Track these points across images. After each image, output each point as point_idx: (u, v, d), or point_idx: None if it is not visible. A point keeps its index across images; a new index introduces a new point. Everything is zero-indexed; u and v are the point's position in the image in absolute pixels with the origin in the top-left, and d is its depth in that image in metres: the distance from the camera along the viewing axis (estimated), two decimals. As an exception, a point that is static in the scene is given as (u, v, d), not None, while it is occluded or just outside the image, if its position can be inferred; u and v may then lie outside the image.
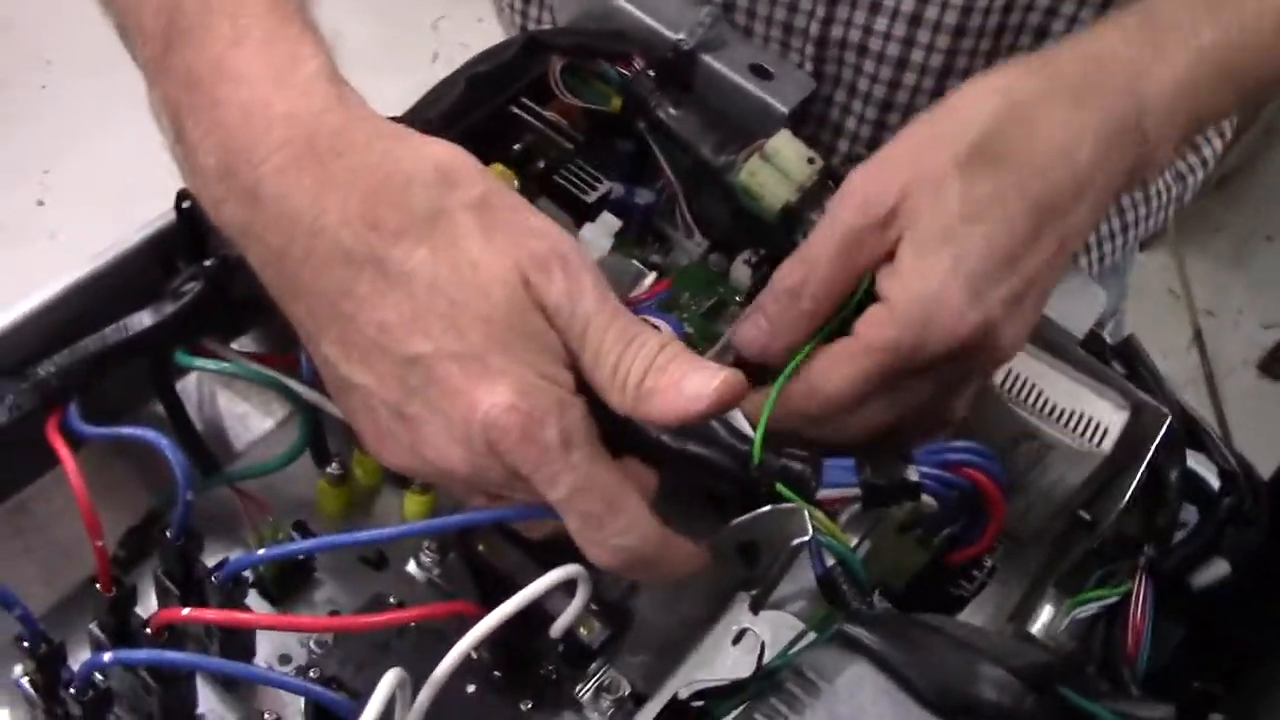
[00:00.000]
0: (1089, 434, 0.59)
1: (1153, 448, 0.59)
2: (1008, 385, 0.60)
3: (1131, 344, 0.62)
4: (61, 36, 2.05)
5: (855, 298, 0.55)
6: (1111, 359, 0.61)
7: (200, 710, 0.52)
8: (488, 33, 0.70)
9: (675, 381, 0.45)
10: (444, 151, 0.45)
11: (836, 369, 0.53)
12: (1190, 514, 0.62)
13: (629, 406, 0.46)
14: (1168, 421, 0.59)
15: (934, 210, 0.52)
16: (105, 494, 0.57)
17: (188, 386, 0.60)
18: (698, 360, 0.46)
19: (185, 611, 0.45)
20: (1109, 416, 0.59)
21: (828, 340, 0.54)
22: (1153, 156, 0.56)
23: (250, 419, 0.62)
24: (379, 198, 0.43)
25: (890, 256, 0.53)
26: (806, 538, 0.52)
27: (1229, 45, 0.57)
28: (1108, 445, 0.59)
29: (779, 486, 0.53)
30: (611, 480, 0.46)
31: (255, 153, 0.44)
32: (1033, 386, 0.59)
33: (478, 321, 0.43)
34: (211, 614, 0.46)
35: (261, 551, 0.48)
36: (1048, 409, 0.59)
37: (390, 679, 0.43)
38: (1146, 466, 0.59)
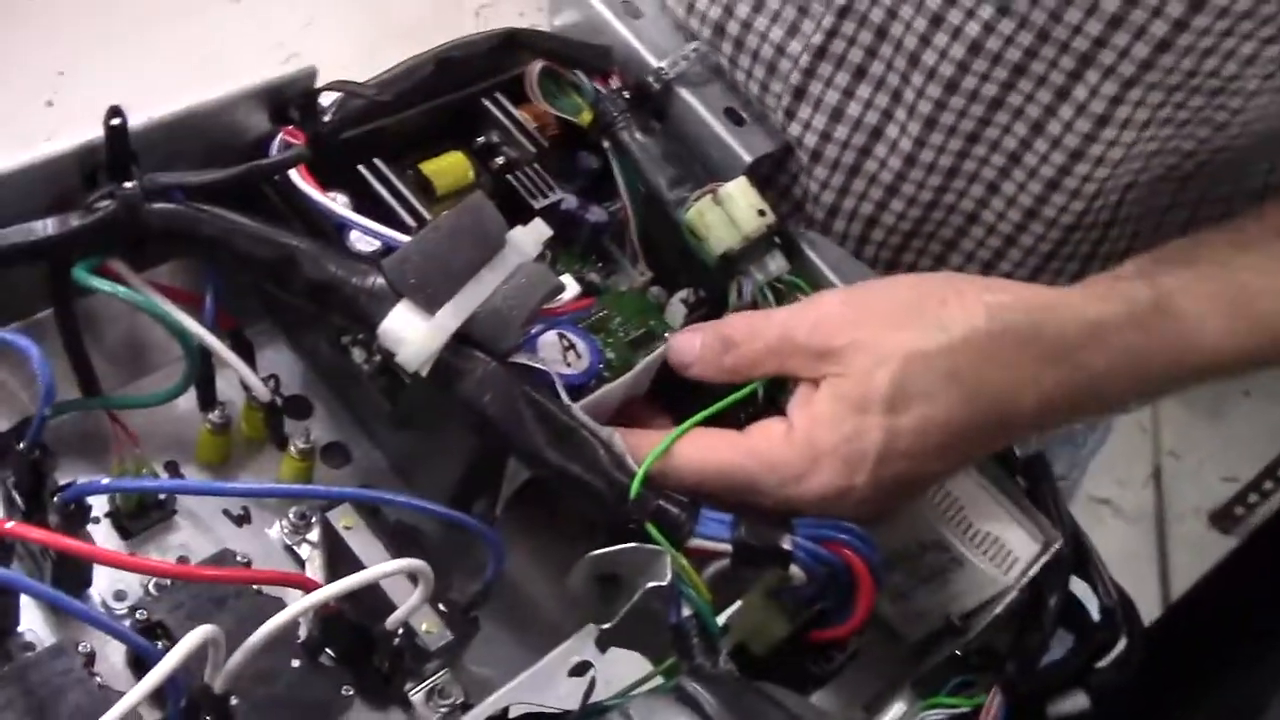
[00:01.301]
0: (999, 560, 0.58)
1: (1037, 567, 0.58)
2: (930, 492, 0.59)
3: (1038, 460, 0.61)
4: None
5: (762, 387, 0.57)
6: (1017, 472, 0.61)
7: (21, 628, 0.50)
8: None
9: None
10: None
11: (702, 455, 0.55)
12: (1066, 640, 0.61)
13: None
14: (1057, 545, 0.58)
15: (865, 379, 0.54)
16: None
17: (102, 308, 0.59)
18: None
19: (9, 525, 0.44)
20: (1023, 547, 0.59)
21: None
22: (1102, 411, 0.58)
23: (153, 353, 0.61)
24: None
25: (813, 381, 0.55)
26: (664, 582, 0.51)
27: (1240, 351, 0.60)
28: (1013, 575, 0.58)
29: (649, 526, 0.52)
30: None
31: None
32: (955, 500, 0.59)
33: None
34: (36, 533, 0.45)
35: (106, 480, 0.47)
36: (964, 525, 0.59)
37: (199, 634, 0.42)
38: (1029, 584, 0.58)
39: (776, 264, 0.62)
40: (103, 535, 0.55)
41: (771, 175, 0.74)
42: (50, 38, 2.01)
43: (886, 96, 0.66)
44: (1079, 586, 0.61)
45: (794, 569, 0.53)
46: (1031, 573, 0.58)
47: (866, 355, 0.54)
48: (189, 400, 0.58)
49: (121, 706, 0.40)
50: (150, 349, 0.60)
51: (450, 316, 0.52)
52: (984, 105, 0.63)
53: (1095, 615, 0.61)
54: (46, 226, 0.50)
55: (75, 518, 0.48)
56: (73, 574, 0.51)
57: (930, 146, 0.65)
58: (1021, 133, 0.64)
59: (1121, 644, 0.59)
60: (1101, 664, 0.60)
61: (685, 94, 0.66)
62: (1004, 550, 0.58)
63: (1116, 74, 0.59)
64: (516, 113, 0.65)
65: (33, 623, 0.51)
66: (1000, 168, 0.65)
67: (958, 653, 0.59)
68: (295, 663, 0.50)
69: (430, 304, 0.52)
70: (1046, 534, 0.58)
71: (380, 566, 0.46)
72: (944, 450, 0.54)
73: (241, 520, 0.57)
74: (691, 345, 0.58)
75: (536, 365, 0.54)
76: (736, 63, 0.69)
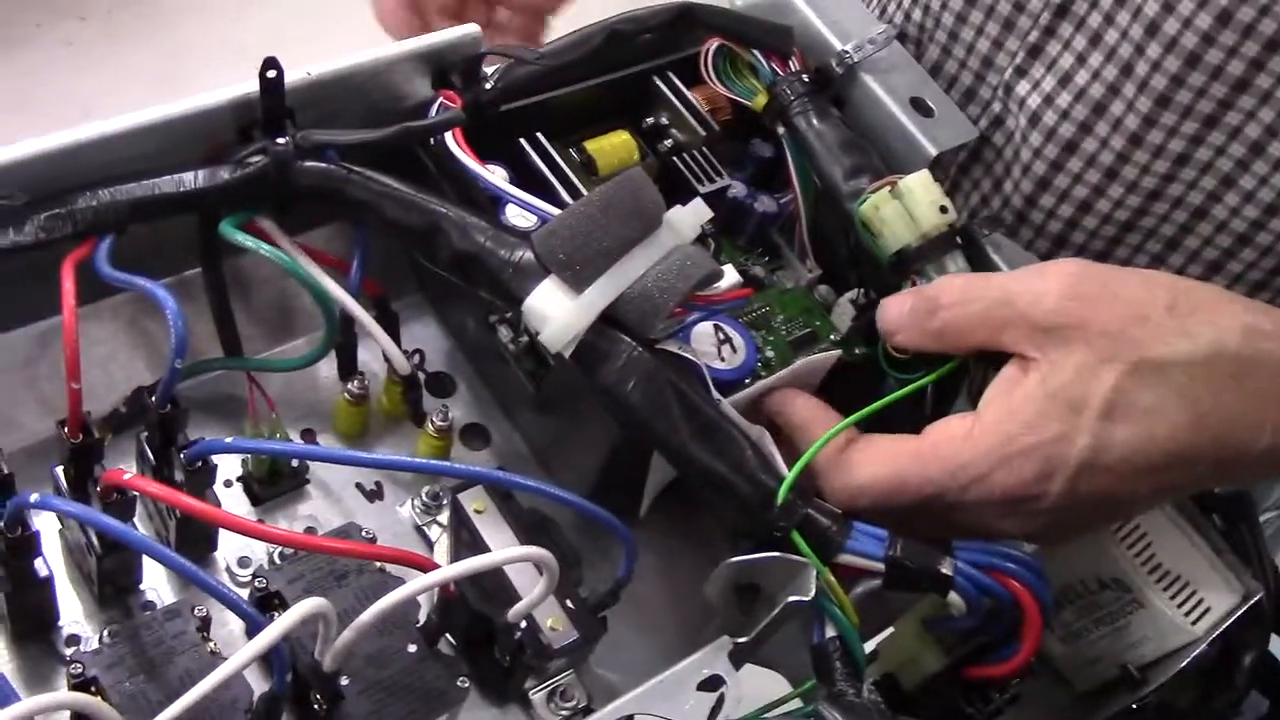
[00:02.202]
0: (1188, 608, 0.52)
1: (1231, 620, 0.52)
2: (1116, 524, 0.53)
3: (1242, 501, 0.54)
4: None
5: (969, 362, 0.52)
6: (1214, 511, 0.54)
7: (144, 586, 0.49)
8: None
9: None
10: None
11: (873, 465, 0.50)
12: (1259, 705, 0.55)
13: None
14: (1258, 596, 0.52)
15: (1085, 376, 0.46)
16: (137, 349, 0.56)
17: (252, 269, 0.59)
18: None
19: (128, 476, 0.43)
20: (1216, 597, 0.52)
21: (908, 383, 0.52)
22: None
23: (300, 319, 0.59)
24: None
25: (1021, 364, 0.48)
26: (807, 598, 0.47)
27: None
28: (1202, 627, 0.52)
29: (795, 535, 0.48)
30: None
31: None
32: (1142, 534, 0.53)
33: None
34: (153, 486, 0.43)
35: (230, 440, 0.46)
36: (1150, 564, 0.53)
37: (307, 606, 0.40)
38: (1220, 637, 0.52)
39: (957, 265, 0.56)
40: (234, 500, 0.53)
41: (960, 174, 0.70)
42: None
43: (1116, 69, 0.61)
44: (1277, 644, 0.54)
45: (953, 596, 0.48)
46: (1224, 626, 0.52)
47: (1093, 348, 0.46)
48: (330, 370, 0.57)
49: (219, 674, 0.38)
50: (297, 315, 0.59)
51: (598, 296, 0.49)
52: (1227, 85, 0.57)
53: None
54: (197, 178, 0.49)
55: (200, 477, 0.47)
56: (197, 535, 0.49)
57: (1160, 127, 0.60)
58: (1268, 119, 0.57)
59: (1325, 715, 0.53)
60: (1300, 735, 0.54)
61: (869, 80, 0.62)
62: (1195, 598, 0.52)
63: None
64: (688, 93, 0.62)
65: (157, 582, 0.50)
66: (1239, 159, 0.59)
67: (1133, 706, 0.53)
68: (412, 648, 0.47)
69: (578, 282, 0.49)
70: (1246, 584, 0.52)
71: (503, 552, 0.43)
72: (1155, 474, 0.47)
73: (374, 495, 0.55)
74: (901, 307, 0.52)
75: (686, 355, 0.51)
76: (966, 19, 0.65)
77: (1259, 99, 0.57)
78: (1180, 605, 0.53)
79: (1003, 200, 0.68)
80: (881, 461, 0.50)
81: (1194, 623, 0.52)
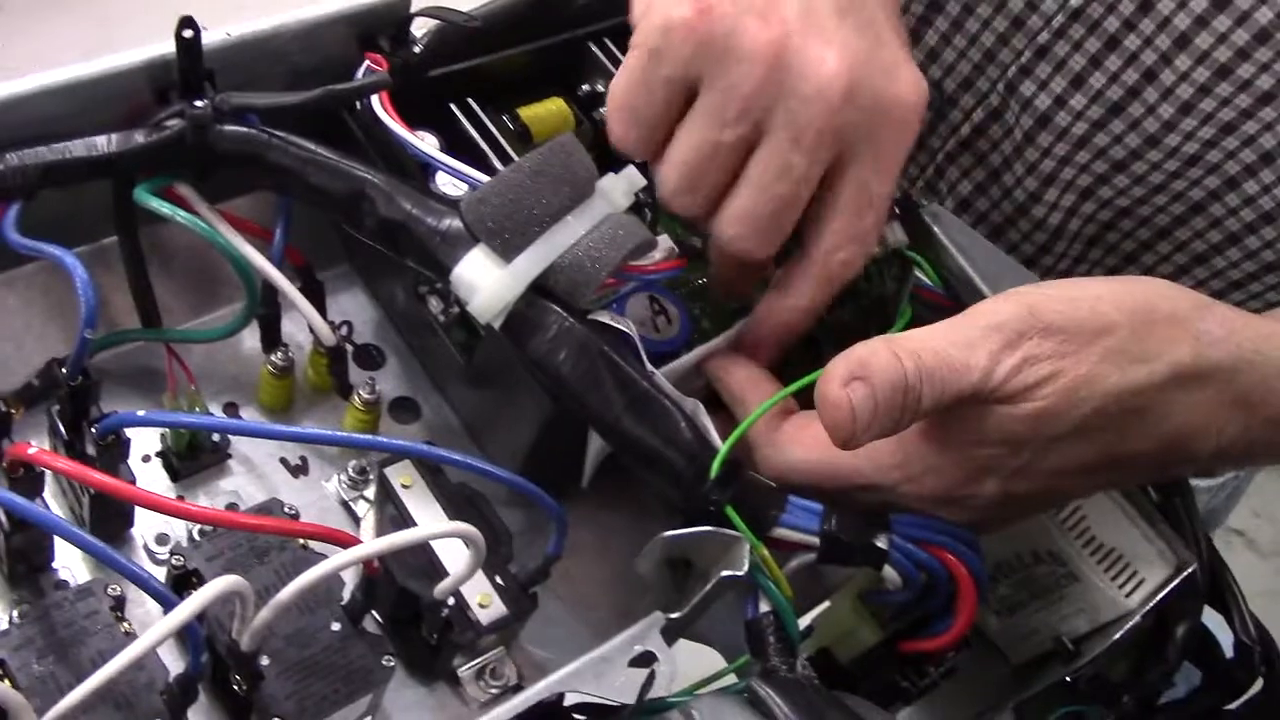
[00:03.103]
0: (1121, 580, 0.52)
1: (1165, 593, 0.52)
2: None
3: (1176, 474, 0.54)
4: None
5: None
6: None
7: (57, 565, 0.48)
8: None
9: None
10: None
11: (804, 447, 0.49)
12: (1192, 676, 0.55)
13: None
14: (1191, 569, 0.52)
15: (1048, 414, 0.44)
16: (51, 320, 0.54)
17: (172, 238, 0.57)
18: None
19: (33, 450, 0.41)
20: (1150, 570, 0.52)
21: None
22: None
23: (223, 290, 0.58)
24: None
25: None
26: (740, 572, 0.46)
27: None
28: (1136, 599, 0.52)
29: (729, 510, 0.47)
30: None
31: None
32: (1077, 509, 0.53)
33: None
34: (61, 462, 0.41)
35: (143, 413, 0.44)
36: (1085, 538, 0.53)
37: (221, 584, 0.38)
38: (1154, 610, 0.52)
39: (894, 236, 0.56)
40: (153, 476, 0.52)
41: (947, 161, 0.69)
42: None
43: (1137, 74, 0.61)
44: (1211, 618, 0.54)
45: (888, 570, 0.47)
46: (1158, 599, 0.52)
47: (1060, 394, 0.43)
48: (254, 342, 0.55)
49: (127, 655, 0.36)
50: (219, 285, 0.57)
51: (528, 265, 0.47)
52: (1254, 97, 0.58)
53: (1229, 652, 0.54)
54: (110, 141, 0.47)
55: (112, 451, 0.45)
56: (112, 512, 0.48)
57: (1179, 131, 0.61)
58: None
59: (1258, 686, 0.53)
60: (1232, 706, 0.53)
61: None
62: (1129, 570, 0.52)
63: None
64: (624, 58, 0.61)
65: (71, 561, 0.49)
66: (1248, 164, 0.60)
67: (1067, 679, 0.53)
68: (336, 626, 0.46)
69: (507, 250, 0.47)
70: (1180, 556, 0.52)
71: (428, 527, 0.42)
72: (1093, 475, 0.46)
73: (298, 471, 0.54)
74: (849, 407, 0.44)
75: (620, 326, 0.50)
76: (973, 10, 0.65)
77: None
78: (1114, 578, 0.52)
79: (1002, 192, 0.68)
80: (813, 446, 0.49)
81: (1128, 595, 0.52)
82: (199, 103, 0.49)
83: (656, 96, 0.47)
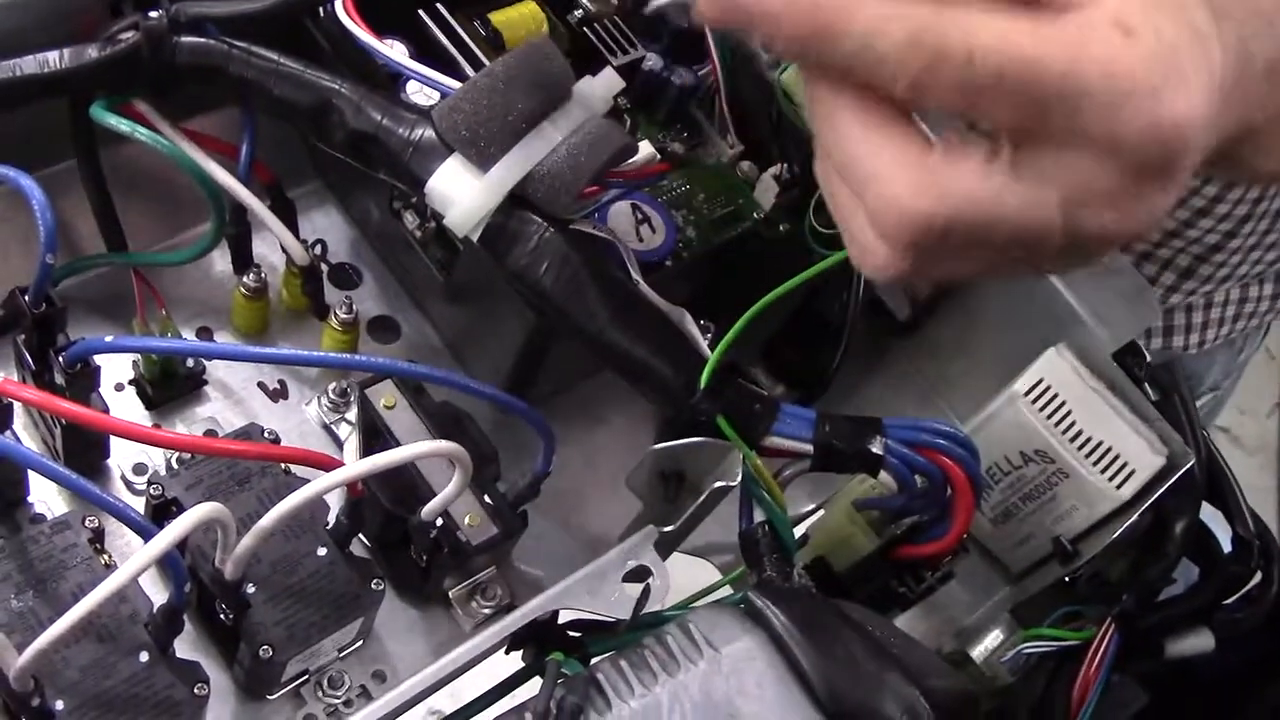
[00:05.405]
0: (1111, 472, 0.51)
1: (1163, 489, 0.51)
2: (1033, 394, 0.52)
3: (1172, 369, 0.53)
4: None
5: None
6: (1144, 379, 0.53)
7: (32, 499, 0.46)
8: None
9: None
10: None
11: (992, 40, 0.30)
12: (1190, 572, 0.55)
13: None
14: (1189, 464, 0.51)
15: None
16: (13, 247, 0.52)
17: (136, 158, 0.54)
18: None
19: (-2, 380, 0.39)
20: (1141, 459, 0.51)
21: None
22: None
23: (192, 211, 0.56)
24: None
25: None
26: (734, 483, 0.45)
27: None
28: (1128, 491, 0.51)
29: (720, 420, 0.46)
30: None
31: None
32: (1062, 404, 0.52)
33: None
34: (28, 392, 0.40)
35: (111, 339, 0.43)
36: (1072, 433, 0.52)
37: (198, 512, 0.37)
38: (1151, 507, 0.51)
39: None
40: (127, 404, 0.50)
41: None
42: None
43: None
44: (1208, 514, 0.54)
45: (884, 476, 0.46)
46: (1153, 493, 0.51)
47: None
48: (225, 264, 0.54)
49: (107, 587, 0.35)
50: (185, 206, 0.55)
51: (505, 174, 0.46)
52: None
53: (1226, 546, 0.54)
54: (62, 57, 0.45)
55: (82, 380, 0.43)
56: (85, 443, 0.46)
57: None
58: None
59: (1256, 580, 0.52)
60: (1229, 601, 0.53)
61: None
62: (1118, 462, 0.51)
63: None
64: (598, -41, 0.59)
65: (47, 494, 0.47)
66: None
67: (1065, 579, 0.52)
68: (322, 551, 0.45)
69: (483, 160, 0.46)
70: (1173, 448, 0.51)
71: (412, 447, 0.41)
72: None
73: (277, 395, 0.52)
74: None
75: (602, 235, 0.48)
76: None
77: None
78: (1104, 470, 0.52)
79: None
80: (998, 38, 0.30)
81: (1119, 486, 0.51)
82: (154, 13, 0.46)
83: None
